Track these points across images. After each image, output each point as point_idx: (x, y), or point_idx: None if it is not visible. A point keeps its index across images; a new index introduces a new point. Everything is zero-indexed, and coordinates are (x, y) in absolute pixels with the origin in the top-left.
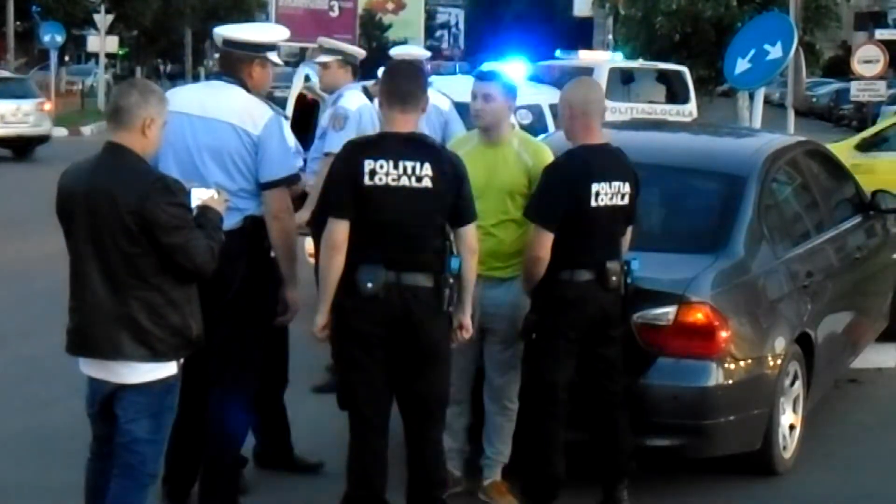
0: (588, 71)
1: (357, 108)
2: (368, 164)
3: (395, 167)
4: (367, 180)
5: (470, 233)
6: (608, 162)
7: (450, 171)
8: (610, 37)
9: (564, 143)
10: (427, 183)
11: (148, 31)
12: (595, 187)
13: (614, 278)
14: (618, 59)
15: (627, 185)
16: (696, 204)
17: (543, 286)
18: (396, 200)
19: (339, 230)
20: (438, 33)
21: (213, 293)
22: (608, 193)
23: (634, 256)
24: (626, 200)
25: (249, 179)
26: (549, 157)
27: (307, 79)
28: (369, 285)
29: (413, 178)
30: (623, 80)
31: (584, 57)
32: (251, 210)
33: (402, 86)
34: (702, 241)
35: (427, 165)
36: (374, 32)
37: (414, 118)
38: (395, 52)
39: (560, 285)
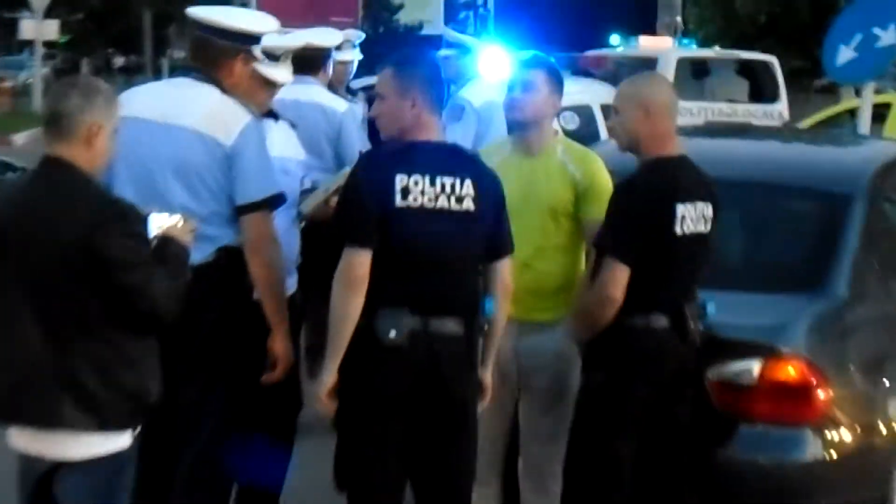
0: (650, 62)
1: (484, 102)
2: (401, 180)
3: (433, 184)
4: (399, 200)
5: (506, 268)
6: (691, 178)
7: (493, 189)
8: (678, 19)
9: (619, 154)
10: (468, 204)
11: (96, 14)
12: (680, 210)
13: (692, 325)
14: (688, 47)
15: (710, 206)
16: (787, 230)
17: (608, 336)
18: (432, 226)
19: (360, 263)
20: (462, 14)
21: (177, 346)
22: (693, 218)
23: (709, 297)
24: (709, 227)
25: (223, 201)
26: (602, 170)
27: None
28: (392, 334)
29: (453, 199)
30: (695, 74)
31: (646, 44)
32: (226, 240)
33: (441, 87)
34: (795, 278)
35: (468, 183)
36: (381, 14)
37: (440, 124)
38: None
39: (632, 334)
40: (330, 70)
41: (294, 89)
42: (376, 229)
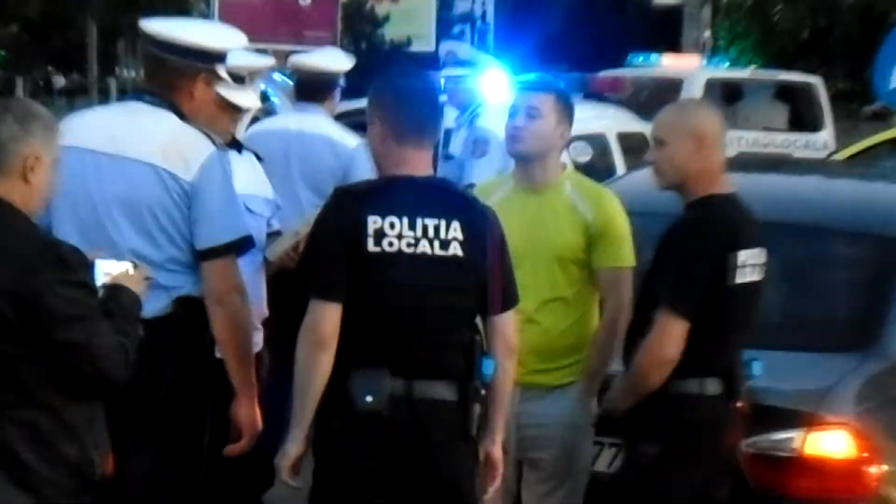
0: (674, 84)
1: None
2: (374, 222)
3: (412, 227)
4: (371, 245)
5: (509, 323)
6: (746, 220)
7: (486, 231)
8: (707, 34)
9: (642, 189)
10: (456, 249)
11: (33, 26)
12: (742, 257)
13: (742, 390)
14: (718, 67)
15: (764, 252)
16: (833, 279)
17: (656, 403)
18: (413, 275)
19: (327, 318)
20: (457, 29)
21: (128, 413)
22: (751, 265)
23: (754, 357)
24: (763, 275)
25: (181, 245)
26: (618, 210)
27: (265, 98)
28: (368, 399)
29: (437, 243)
30: (726, 97)
31: (669, 63)
32: (184, 290)
33: (419, 110)
34: (842, 334)
35: (456, 224)
36: (363, 28)
37: (429, 156)
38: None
39: (686, 403)
40: (337, 98)
41: (298, 119)
42: (346, 279)
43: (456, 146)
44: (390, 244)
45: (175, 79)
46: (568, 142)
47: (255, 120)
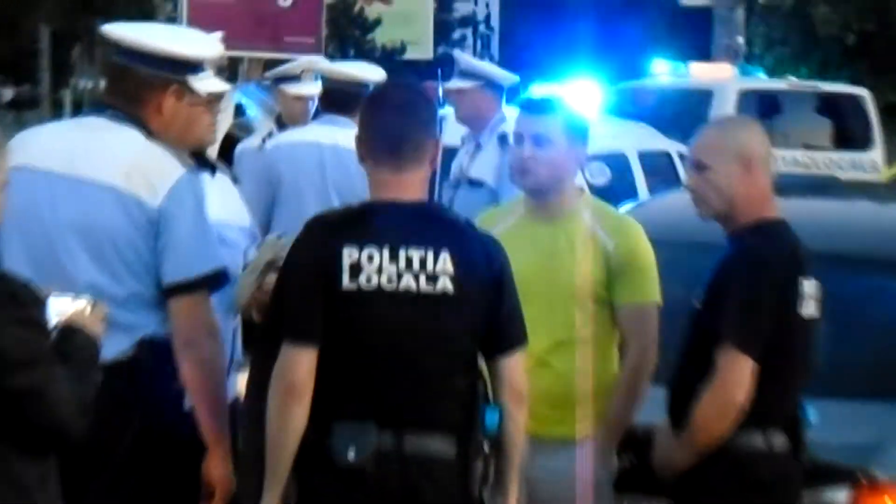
0: (703, 95)
1: None
2: (349, 255)
3: (393, 259)
4: (347, 281)
5: (516, 367)
6: (802, 248)
7: (483, 263)
8: (740, 39)
9: (672, 215)
10: (446, 284)
11: None
12: (807, 287)
13: (805, 443)
14: (753, 77)
15: (819, 285)
16: (887, 317)
17: (713, 459)
18: (394, 314)
19: (300, 363)
20: (458, 33)
21: (85, 469)
22: (813, 297)
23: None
24: (820, 312)
25: (145, 280)
26: (643, 240)
27: (240, 111)
28: (351, 454)
29: (423, 278)
30: (762, 112)
31: (698, 73)
32: (148, 330)
33: (393, 126)
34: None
35: (445, 255)
36: (351, 33)
37: (417, 178)
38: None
39: (750, 461)
40: None
41: (331, 132)
42: (321, 320)
43: (482, 171)
44: (368, 279)
45: (141, 91)
46: (584, 164)
47: (229, 137)
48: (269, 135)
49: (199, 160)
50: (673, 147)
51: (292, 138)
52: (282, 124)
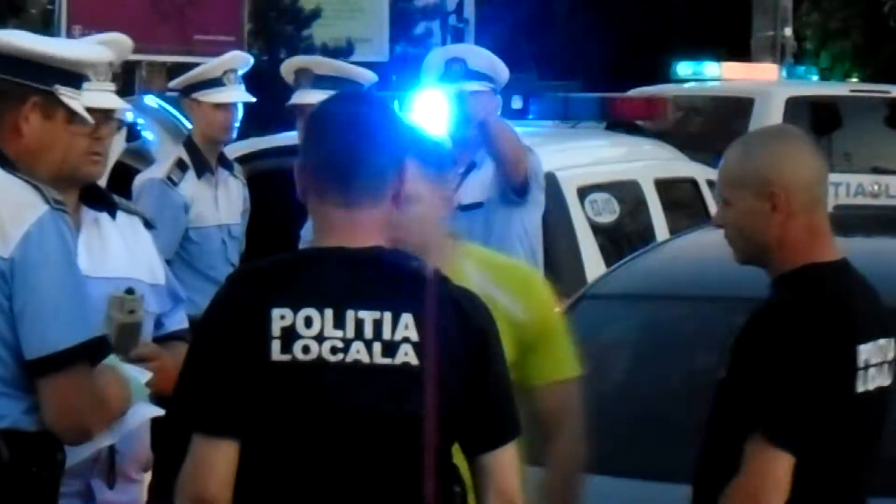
0: (740, 105)
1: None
2: (281, 318)
3: (339, 324)
4: (277, 352)
5: (506, 465)
6: (866, 300)
7: (457, 327)
8: (788, 31)
9: (694, 261)
10: (408, 355)
11: None
12: (863, 354)
13: None
14: (804, 80)
15: (893, 343)
16: None
17: None
18: (341, 394)
19: (216, 464)
20: (420, 27)
21: None
22: (876, 365)
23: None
24: (892, 377)
25: (1, 355)
26: (550, 292)
27: (133, 134)
28: None
29: (378, 347)
30: (816, 125)
31: (733, 75)
32: (7, 421)
33: (343, 147)
34: None
35: (407, 319)
36: (280, 28)
37: (374, 218)
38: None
39: None
40: None
41: None
42: (243, 405)
43: (476, 193)
44: (305, 350)
45: None
46: (452, 208)
47: (121, 166)
48: (180, 166)
49: (93, 196)
50: (700, 172)
51: None
52: (193, 149)
